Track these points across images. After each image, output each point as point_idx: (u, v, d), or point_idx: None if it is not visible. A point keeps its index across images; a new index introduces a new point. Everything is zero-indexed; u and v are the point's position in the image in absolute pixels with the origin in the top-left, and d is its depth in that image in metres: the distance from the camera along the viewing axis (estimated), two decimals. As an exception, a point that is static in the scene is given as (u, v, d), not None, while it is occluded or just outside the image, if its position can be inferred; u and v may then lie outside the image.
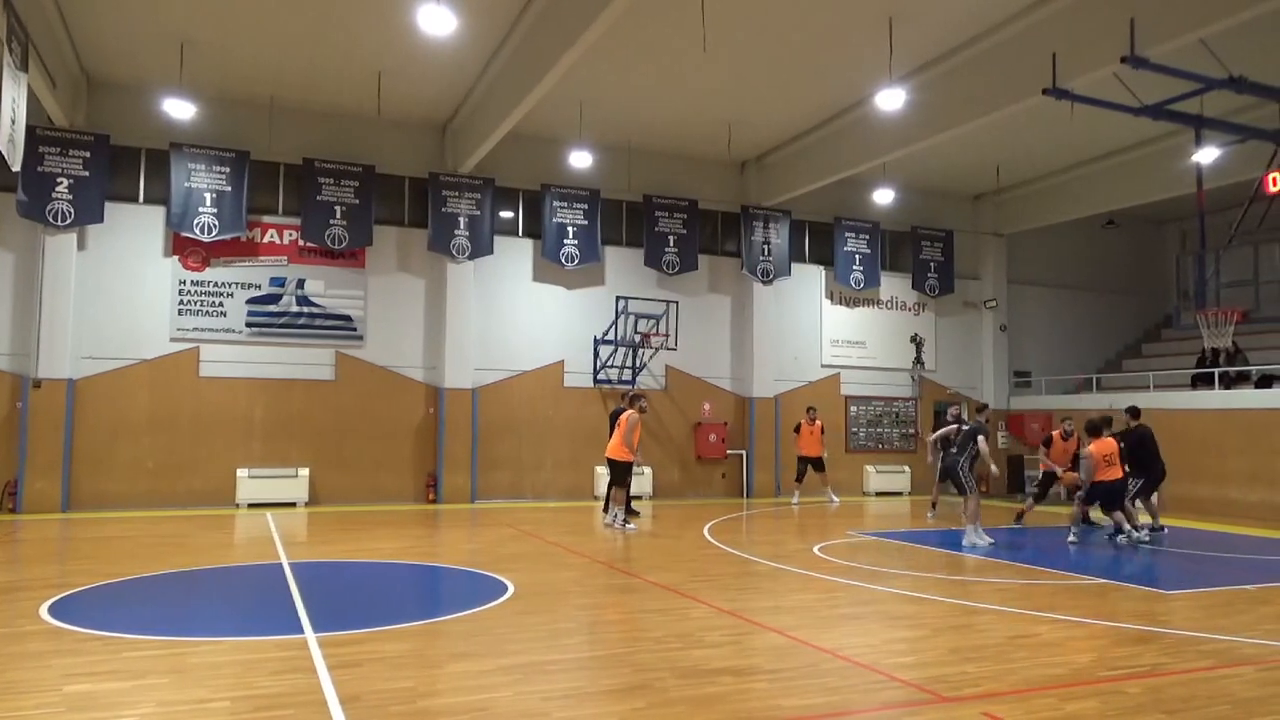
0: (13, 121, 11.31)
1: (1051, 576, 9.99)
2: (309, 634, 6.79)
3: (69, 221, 15.58)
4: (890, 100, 14.39)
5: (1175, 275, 25.49)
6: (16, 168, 12.14)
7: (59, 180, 15.52)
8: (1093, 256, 24.72)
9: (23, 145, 12.14)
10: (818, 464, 18.52)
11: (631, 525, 14.05)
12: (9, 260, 15.61)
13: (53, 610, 7.53)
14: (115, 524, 13.94)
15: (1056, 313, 24.41)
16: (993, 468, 13.06)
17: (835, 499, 18.98)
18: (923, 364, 22.59)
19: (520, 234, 19.12)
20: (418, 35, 13.63)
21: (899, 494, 21.27)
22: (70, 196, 15.57)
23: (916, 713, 5.21)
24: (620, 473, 14.05)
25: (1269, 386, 17.75)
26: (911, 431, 22.32)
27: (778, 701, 5.38)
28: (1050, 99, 12.81)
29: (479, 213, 18.26)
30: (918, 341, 22.60)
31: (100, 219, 15.86)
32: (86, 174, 15.68)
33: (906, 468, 21.74)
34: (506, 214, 19.04)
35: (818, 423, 18.60)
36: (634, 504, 16.58)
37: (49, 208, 15.46)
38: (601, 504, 15.15)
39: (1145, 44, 11.51)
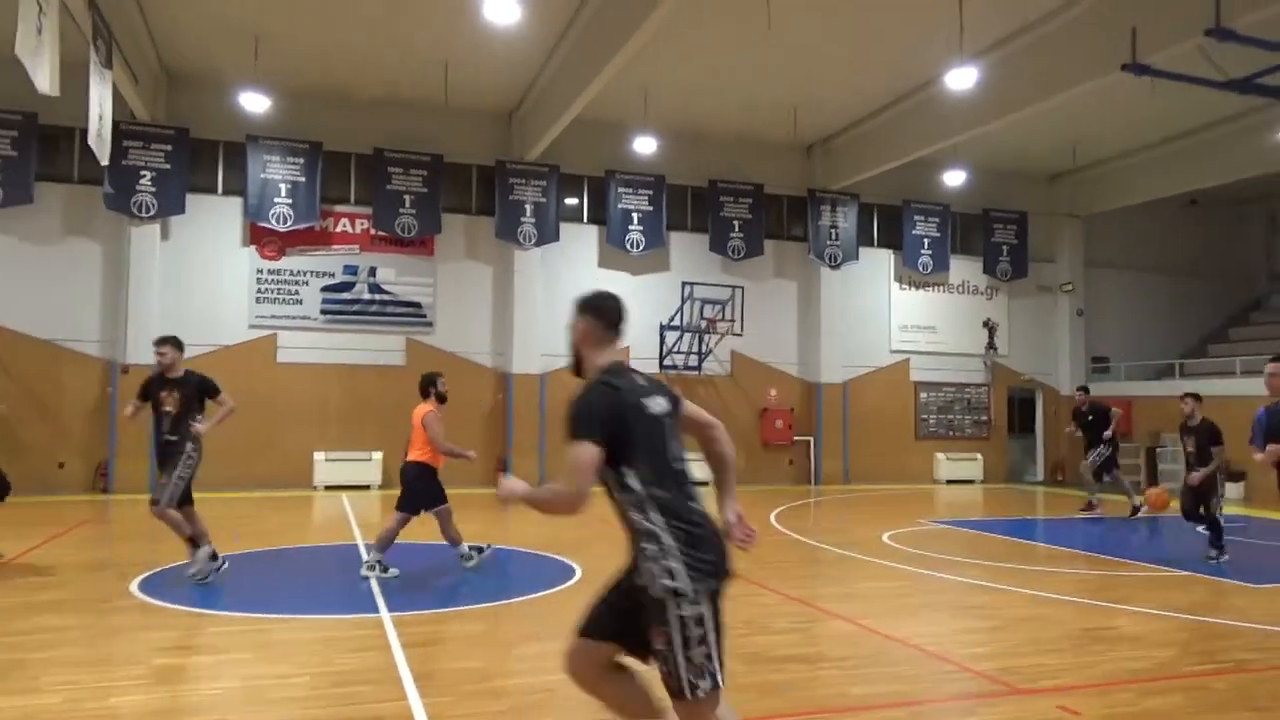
0: (100, 118, 11.71)
1: (1131, 568, 9.72)
2: (384, 613, 6.96)
3: (152, 213, 16.13)
4: (961, 79, 14.06)
5: (1264, 257, 24.47)
6: (105, 162, 12.54)
7: (142, 173, 16.06)
8: (1174, 238, 23.79)
9: (110, 141, 12.56)
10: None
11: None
12: (98, 251, 16.24)
13: (143, 586, 7.86)
14: (198, 504, 14.39)
15: (1136, 297, 23.59)
16: None
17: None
18: (996, 349, 22.09)
19: (585, 220, 19.20)
20: (483, 24, 13.75)
21: (970, 482, 20.88)
22: (153, 189, 16.11)
23: (990, 704, 5.13)
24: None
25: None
26: (984, 418, 21.87)
27: (846, 689, 5.34)
28: (1129, 75, 12.37)
29: (545, 200, 18.38)
30: (990, 326, 22.10)
31: (182, 210, 16.40)
32: (168, 167, 16.20)
33: (979, 455, 21.33)
34: (571, 201, 19.14)
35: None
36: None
37: (134, 200, 16.01)
38: None
39: (1231, 15, 11.03)
